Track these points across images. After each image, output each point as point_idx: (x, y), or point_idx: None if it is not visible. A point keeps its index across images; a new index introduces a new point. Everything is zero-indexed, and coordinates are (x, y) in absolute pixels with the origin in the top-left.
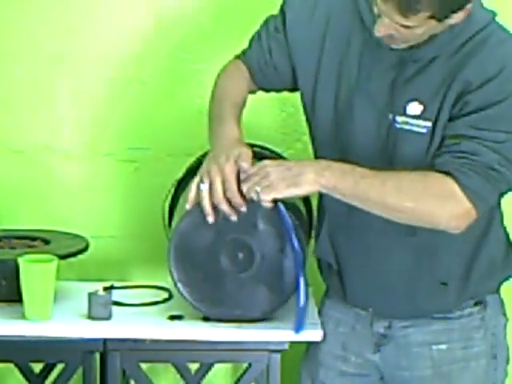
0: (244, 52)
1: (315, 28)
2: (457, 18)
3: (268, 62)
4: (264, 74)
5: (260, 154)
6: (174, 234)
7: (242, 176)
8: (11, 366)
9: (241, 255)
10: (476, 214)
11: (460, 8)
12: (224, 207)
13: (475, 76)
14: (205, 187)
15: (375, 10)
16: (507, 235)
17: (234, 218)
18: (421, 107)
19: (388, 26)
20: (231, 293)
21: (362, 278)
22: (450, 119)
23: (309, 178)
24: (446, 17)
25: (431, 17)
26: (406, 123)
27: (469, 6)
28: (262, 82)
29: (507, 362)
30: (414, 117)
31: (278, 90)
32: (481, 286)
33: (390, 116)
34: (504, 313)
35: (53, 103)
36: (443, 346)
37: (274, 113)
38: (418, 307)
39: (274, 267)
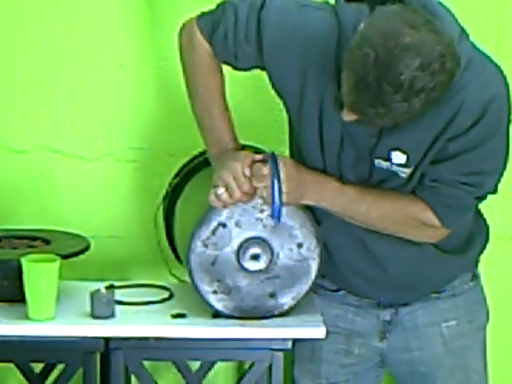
0: (206, 26)
1: (295, 59)
2: None
3: (233, 62)
4: (227, 61)
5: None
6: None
7: (256, 171)
8: (11, 365)
9: (259, 253)
10: (450, 231)
11: (423, 113)
12: (244, 199)
13: (460, 126)
14: (220, 191)
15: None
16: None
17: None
18: (404, 157)
19: (354, 115)
20: (258, 291)
21: (363, 274)
22: (430, 163)
23: (306, 199)
24: None
25: None
26: (391, 166)
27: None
28: (223, 61)
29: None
30: (398, 165)
31: None
32: (470, 252)
33: (374, 160)
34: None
35: (53, 103)
36: (452, 323)
37: (273, 113)
38: (424, 285)
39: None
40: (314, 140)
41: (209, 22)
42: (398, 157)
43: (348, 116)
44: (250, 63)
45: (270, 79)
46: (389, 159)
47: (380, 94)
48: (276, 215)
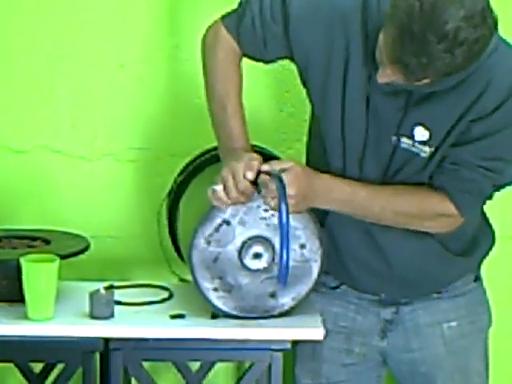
0: (232, 22)
1: (320, 30)
2: None
3: (262, 51)
4: (255, 53)
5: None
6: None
7: (263, 184)
8: (11, 365)
9: (262, 252)
10: (464, 220)
11: (463, 69)
12: (241, 199)
13: (485, 107)
14: (219, 188)
15: (378, 57)
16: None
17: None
18: (427, 133)
19: (390, 75)
20: (258, 290)
21: (368, 267)
22: (451, 145)
23: (314, 205)
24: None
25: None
26: (413, 146)
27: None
28: (249, 55)
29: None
30: (420, 142)
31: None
32: (475, 254)
33: (395, 138)
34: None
35: (53, 103)
36: (453, 323)
37: (273, 113)
38: (427, 283)
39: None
40: (336, 121)
41: (234, 18)
42: (421, 133)
43: (383, 77)
44: (279, 48)
45: (295, 62)
46: (411, 136)
47: (424, 44)
48: (283, 279)
